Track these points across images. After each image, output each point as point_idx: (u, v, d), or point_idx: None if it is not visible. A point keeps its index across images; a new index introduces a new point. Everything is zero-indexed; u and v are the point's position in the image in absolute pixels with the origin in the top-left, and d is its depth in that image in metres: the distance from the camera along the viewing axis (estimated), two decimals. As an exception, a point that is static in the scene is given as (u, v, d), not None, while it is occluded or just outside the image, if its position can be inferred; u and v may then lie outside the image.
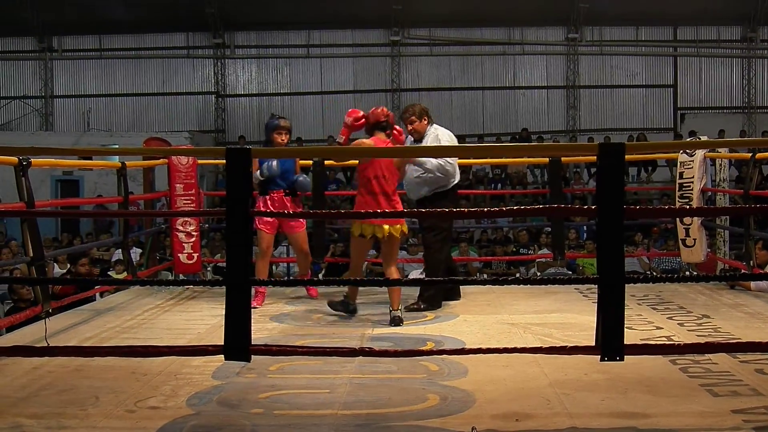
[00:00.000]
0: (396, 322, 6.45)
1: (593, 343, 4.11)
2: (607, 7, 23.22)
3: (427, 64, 24.40)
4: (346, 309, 6.86)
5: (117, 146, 19.58)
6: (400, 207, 6.81)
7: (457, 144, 7.99)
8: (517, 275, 13.60)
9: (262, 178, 7.43)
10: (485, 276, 13.38)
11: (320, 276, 10.99)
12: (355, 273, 6.98)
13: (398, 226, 6.61)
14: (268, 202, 7.54)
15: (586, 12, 23.28)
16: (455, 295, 7.58)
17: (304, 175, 7.85)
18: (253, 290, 7.21)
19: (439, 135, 7.30)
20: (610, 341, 4.01)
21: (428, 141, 7.23)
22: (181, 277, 8.84)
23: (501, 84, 24.33)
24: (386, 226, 6.51)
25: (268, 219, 7.54)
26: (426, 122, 7.34)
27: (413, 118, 7.30)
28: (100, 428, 3.96)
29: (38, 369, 4.97)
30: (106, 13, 22.90)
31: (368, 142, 6.61)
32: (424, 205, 7.18)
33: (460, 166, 7.79)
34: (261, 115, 24.56)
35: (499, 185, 20.07)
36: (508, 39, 24.25)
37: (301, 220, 7.79)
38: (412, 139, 7.43)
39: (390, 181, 6.63)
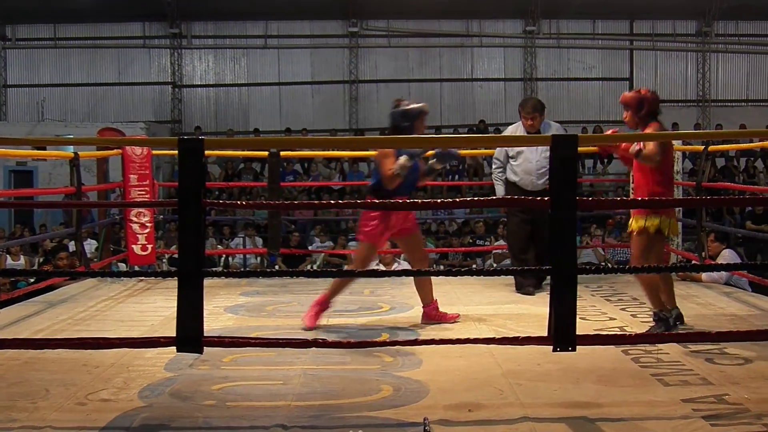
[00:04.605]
0: (662, 319, 5.74)
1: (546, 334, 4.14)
2: (565, 1, 23.35)
3: (385, 56, 24.37)
4: (667, 325, 5.74)
5: (72, 136, 19.40)
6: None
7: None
8: (474, 266, 13.66)
9: (400, 173, 5.88)
10: (441, 267, 13.42)
11: (276, 268, 10.92)
12: (654, 279, 5.77)
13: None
14: (391, 214, 6.05)
15: (543, 5, 23.39)
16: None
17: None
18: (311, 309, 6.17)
19: (556, 128, 7.78)
20: (562, 332, 4.04)
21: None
22: (136, 268, 8.77)
23: (459, 76, 24.36)
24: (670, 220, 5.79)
25: (382, 227, 6.05)
26: (542, 117, 7.69)
27: (536, 114, 7.59)
28: (50, 421, 3.91)
29: (-13, 361, 4.91)
30: (62, 1, 22.57)
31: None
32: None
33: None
34: (218, 105, 24.44)
35: (456, 176, 20.11)
36: (466, 31, 24.29)
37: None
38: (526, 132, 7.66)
39: None
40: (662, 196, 5.71)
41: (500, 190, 7.85)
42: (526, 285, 7.60)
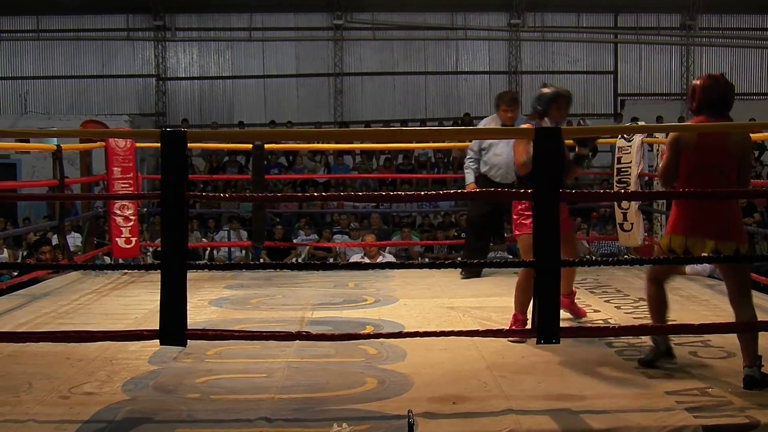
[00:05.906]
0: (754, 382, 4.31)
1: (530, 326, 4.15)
2: (550, -7, 23.39)
3: (369, 49, 24.29)
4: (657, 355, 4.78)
5: (55, 129, 19.28)
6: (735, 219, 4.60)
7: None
8: (458, 259, 13.67)
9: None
10: (426, 260, 13.43)
11: (261, 261, 10.89)
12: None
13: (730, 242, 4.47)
14: None
15: (528, -2, 23.43)
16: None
17: None
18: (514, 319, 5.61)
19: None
20: (546, 324, 4.04)
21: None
22: (120, 261, 8.74)
23: (443, 69, 24.32)
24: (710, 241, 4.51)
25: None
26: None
27: (516, 106, 7.82)
28: (33, 414, 3.90)
29: (-30, 355, 4.88)
30: (45, -7, 22.47)
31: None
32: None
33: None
34: (203, 98, 24.31)
35: (441, 169, 20.09)
36: (450, 24, 24.26)
37: None
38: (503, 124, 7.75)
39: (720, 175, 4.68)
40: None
41: (470, 178, 7.98)
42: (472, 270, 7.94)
